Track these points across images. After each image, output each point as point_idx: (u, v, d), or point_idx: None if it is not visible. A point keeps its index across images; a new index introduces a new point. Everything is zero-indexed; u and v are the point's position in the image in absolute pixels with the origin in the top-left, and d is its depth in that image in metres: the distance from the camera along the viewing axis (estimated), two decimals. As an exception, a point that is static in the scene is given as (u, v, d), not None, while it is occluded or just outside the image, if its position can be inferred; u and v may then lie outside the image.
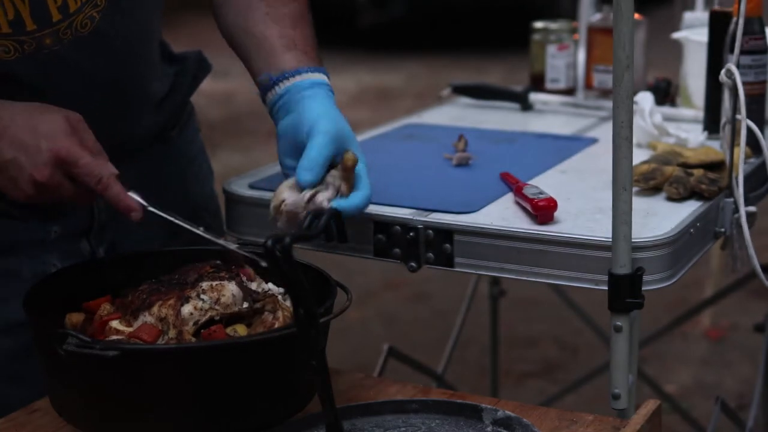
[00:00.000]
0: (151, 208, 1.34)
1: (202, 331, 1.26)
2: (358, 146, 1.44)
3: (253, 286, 1.35)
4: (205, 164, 1.80)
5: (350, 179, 1.38)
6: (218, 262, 1.36)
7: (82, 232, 1.57)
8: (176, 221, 1.35)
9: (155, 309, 1.27)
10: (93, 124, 1.39)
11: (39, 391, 1.36)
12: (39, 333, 1.25)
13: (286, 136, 1.46)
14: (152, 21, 1.58)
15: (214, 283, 1.29)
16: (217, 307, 1.27)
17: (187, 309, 1.27)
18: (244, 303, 1.30)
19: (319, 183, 1.38)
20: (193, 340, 1.25)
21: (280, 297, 1.33)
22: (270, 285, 1.37)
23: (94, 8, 1.43)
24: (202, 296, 1.28)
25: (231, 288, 1.29)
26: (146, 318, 1.28)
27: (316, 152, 1.38)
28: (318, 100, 1.45)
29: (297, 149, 1.43)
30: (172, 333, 1.26)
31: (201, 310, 1.27)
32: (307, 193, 1.37)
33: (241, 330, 1.28)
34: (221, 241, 1.37)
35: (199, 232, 1.35)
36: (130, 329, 1.27)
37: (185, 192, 1.72)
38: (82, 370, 1.19)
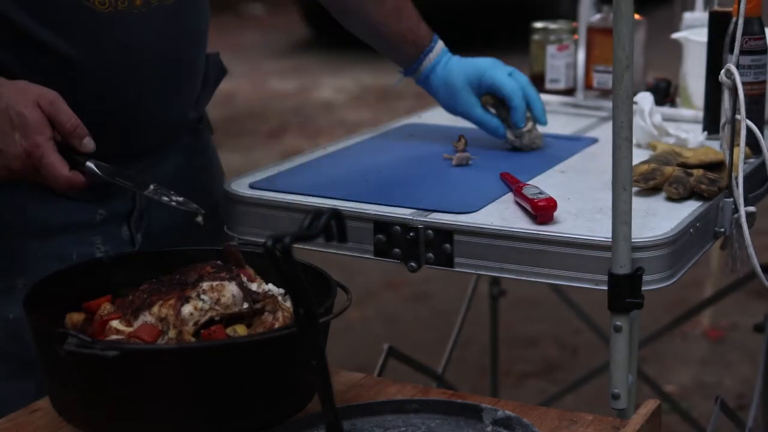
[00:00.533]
0: (107, 178, 1.45)
1: (202, 331, 1.26)
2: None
3: (254, 286, 1.35)
4: (218, 164, 1.85)
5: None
6: (219, 262, 1.36)
7: (124, 218, 1.62)
8: (135, 189, 1.48)
9: (155, 309, 1.27)
10: (148, 99, 1.53)
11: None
12: (39, 333, 1.25)
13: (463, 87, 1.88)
14: (208, 11, 1.67)
15: (215, 284, 1.29)
16: (217, 307, 1.27)
17: (187, 309, 1.27)
18: (245, 303, 1.30)
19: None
20: (193, 340, 1.25)
21: (280, 298, 1.33)
22: (270, 286, 1.37)
23: None
24: (202, 296, 1.28)
25: (231, 288, 1.29)
26: (146, 318, 1.28)
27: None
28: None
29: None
30: (172, 333, 1.26)
31: (201, 310, 1.27)
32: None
33: (241, 330, 1.28)
34: (179, 200, 1.46)
35: (149, 194, 1.46)
36: (131, 329, 1.27)
37: (208, 187, 1.76)
38: (82, 370, 1.20)
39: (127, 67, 1.52)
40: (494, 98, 1.88)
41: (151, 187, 1.46)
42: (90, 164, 1.44)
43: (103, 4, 1.48)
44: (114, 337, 1.27)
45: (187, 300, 1.27)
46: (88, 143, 1.45)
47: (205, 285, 1.29)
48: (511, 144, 1.90)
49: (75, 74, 1.50)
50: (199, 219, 1.45)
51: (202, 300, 1.27)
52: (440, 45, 1.89)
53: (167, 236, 1.64)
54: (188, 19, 1.60)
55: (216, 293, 1.28)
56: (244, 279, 1.34)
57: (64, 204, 1.55)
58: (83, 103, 1.48)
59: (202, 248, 1.45)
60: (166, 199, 1.46)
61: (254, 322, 1.30)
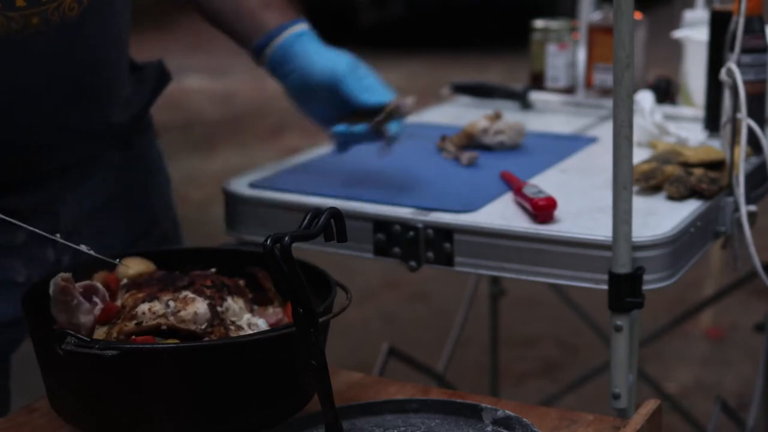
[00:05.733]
0: (1, 215, 1.33)
1: (133, 335, 1.25)
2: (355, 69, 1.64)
3: (233, 309, 1.33)
4: (164, 173, 1.77)
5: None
6: (224, 279, 1.34)
7: (47, 239, 1.53)
8: (30, 228, 1.35)
9: (133, 293, 1.28)
10: (58, 116, 1.42)
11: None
12: (38, 332, 1.25)
13: (297, 89, 1.65)
14: (128, 17, 1.57)
15: (189, 295, 1.28)
16: (172, 318, 1.25)
17: (144, 307, 1.26)
18: (204, 325, 1.26)
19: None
20: (122, 338, 1.24)
21: (233, 328, 1.31)
22: (247, 318, 1.32)
23: None
24: (169, 302, 1.27)
25: (198, 306, 1.26)
26: (122, 297, 1.29)
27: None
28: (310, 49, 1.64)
29: (316, 97, 1.64)
30: (119, 322, 1.26)
31: (154, 313, 1.26)
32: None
33: None
34: (81, 248, 1.34)
35: (56, 238, 1.35)
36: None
37: (145, 200, 1.71)
38: (81, 369, 1.19)
39: (29, 88, 1.42)
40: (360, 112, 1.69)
41: (57, 235, 1.36)
42: None
43: None
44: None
45: (153, 299, 1.27)
46: None
47: (183, 293, 1.28)
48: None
49: None
50: (118, 262, 1.37)
51: (166, 305, 1.26)
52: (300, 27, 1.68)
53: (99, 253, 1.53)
54: (96, 33, 1.48)
55: (181, 304, 1.26)
56: (229, 303, 1.31)
57: None
58: None
59: (200, 248, 1.45)
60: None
61: None
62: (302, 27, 1.66)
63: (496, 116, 1.91)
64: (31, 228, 1.35)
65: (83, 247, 1.33)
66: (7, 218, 1.34)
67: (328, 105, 1.65)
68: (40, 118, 1.45)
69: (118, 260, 1.36)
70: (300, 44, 1.64)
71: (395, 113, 1.64)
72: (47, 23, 1.40)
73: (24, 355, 1.62)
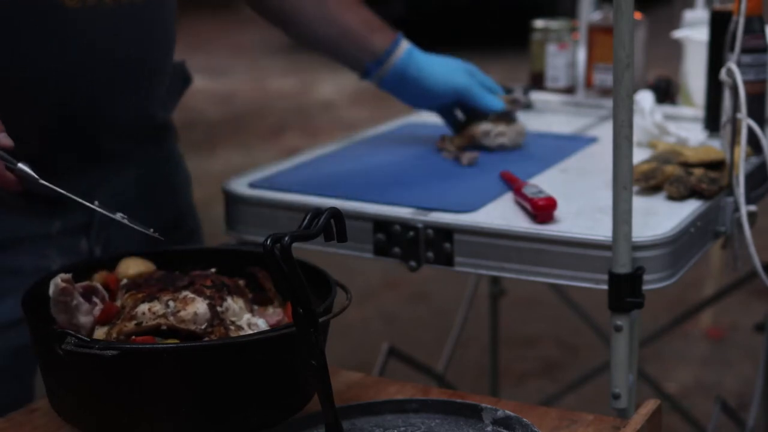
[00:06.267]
0: (42, 181, 1.34)
1: (134, 336, 1.25)
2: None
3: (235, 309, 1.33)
4: (186, 172, 1.81)
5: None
6: (224, 279, 1.34)
7: (82, 230, 1.57)
8: (69, 195, 1.36)
9: (133, 293, 1.28)
10: (110, 100, 1.49)
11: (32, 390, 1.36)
12: (38, 332, 1.25)
13: (419, 104, 1.89)
14: (175, 16, 1.63)
15: (189, 295, 1.28)
16: (172, 318, 1.25)
17: (143, 307, 1.26)
18: (204, 325, 1.26)
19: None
20: (122, 338, 1.24)
21: (232, 328, 1.30)
22: (247, 317, 1.32)
23: None
24: (169, 302, 1.27)
25: (198, 306, 1.26)
26: (122, 297, 1.29)
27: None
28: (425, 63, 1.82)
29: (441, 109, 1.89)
30: (118, 322, 1.26)
31: (154, 314, 1.26)
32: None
33: None
34: (117, 216, 1.36)
35: (94, 206, 1.36)
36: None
37: (171, 198, 1.73)
38: (81, 369, 1.19)
39: (90, 67, 1.48)
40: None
41: (96, 202, 1.38)
42: (22, 165, 1.34)
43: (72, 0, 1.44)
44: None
45: (153, 299, 1.27)
46: (3, 139, 1.34)
47: (183, 293, 1.28)
48: (487, 144, 1.89)
49: (37, 74, 1.45)
50: (153, 232, 1.38)
51: (166, 305, 1.26)
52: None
53: (133, 246, 1.56)
54: (156, 22, 1.56)
55: (181, 304, 1.26)
56: (229, 303, 1.31)
57: (16, 216, 1.52)
58: (43, 104, 1.45)
59: (200, 248, 1.44)
60: (111, 215, 1.38)
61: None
62: (406, 45, 1.81)
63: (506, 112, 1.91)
64: (72, 196, 1.36)
65: (119, 215, 1.36)
66: (51, 185, 1.34)
67: (452, 112, 1.90)
68: (107, 95, 1.50)
69: (151, 230, 1.37)
70: (413, 65, 1.80)
71: (516, 106, 1.91)
72: (118, 3, 1.47)
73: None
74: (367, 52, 1.79)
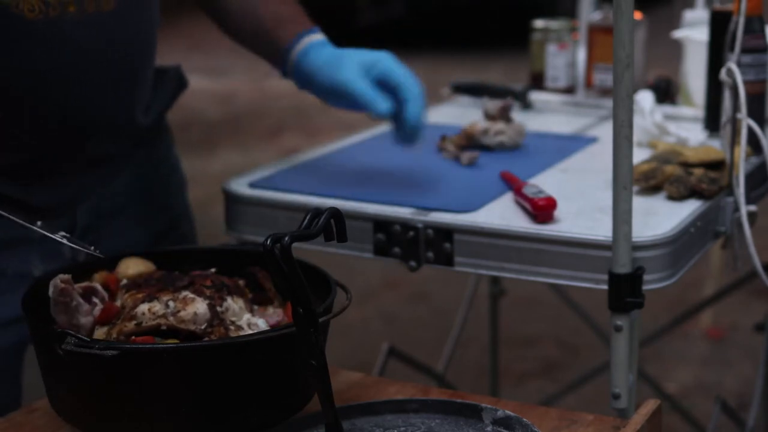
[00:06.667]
0: None
1: (133, 336, 1.24)
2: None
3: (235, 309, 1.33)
4: (182, 175, 1.79)
5: None
6: (224, 279, 1.34)
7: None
8: (9, 216, 1.35)
9: (133, 293, 1.28)
10: (85, 107, 1.45)
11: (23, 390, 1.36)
12: (38, 332, 1.25)
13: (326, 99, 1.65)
14: (157, 20, 1.59)
15: (189, 295, 1.28)
16: (172, 318, 1.25)
17: (144, 307, 1.26)
18: (204, 325, 1.26)
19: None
20: (121, 338, 1.24)
21: (232, 328, 1.31)
22: (247, 317, 1.32)
23: None
24: (169, 302, 1.26)
25: (198, 306, 1.26)
26: (122, 297, 1.29)
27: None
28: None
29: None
30: (118, 322, 1.26)
31: (154, 314, 1.25)
32: None
33: None
34: (57, 236, 1.35)
35: (36, 227, 1.35)
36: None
37: (165, 202, 1.72)
38: (81, 369, 1.19)
39: (60, 77, 1.44)
40: None
41: (39, 223, 1.36)
42: None
43: (33, 11, 1.41)
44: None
45: (152, 299, 1.27)
46: None
47: (183, 293, 1.28)
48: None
49: (9, 84, 1.43)
50: (94, 250, 1.36)
51: (166, 305, 1.26)
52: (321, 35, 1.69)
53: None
54: (128, 28, 1.52)
55: (181, 304, 1.26)
56: (228, 303, 1.31)
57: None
58: (18, 114, 1.44)
59: (200, 248, 1.44)
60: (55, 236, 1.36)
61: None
62: (309, 39, 1.66)
63: (503, 110, 1.90)
64: (11, 216, 1.34)
65: (59, 235, 1.34)
66: (6, 214, 1.34)
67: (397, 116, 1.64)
68: (68, 107, 1.47)
69: (92, 248, 1.36)
70: (308, 61, 1.64)
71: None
72: (83, 12, 1.43)
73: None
74: (275, 48, 1.68)
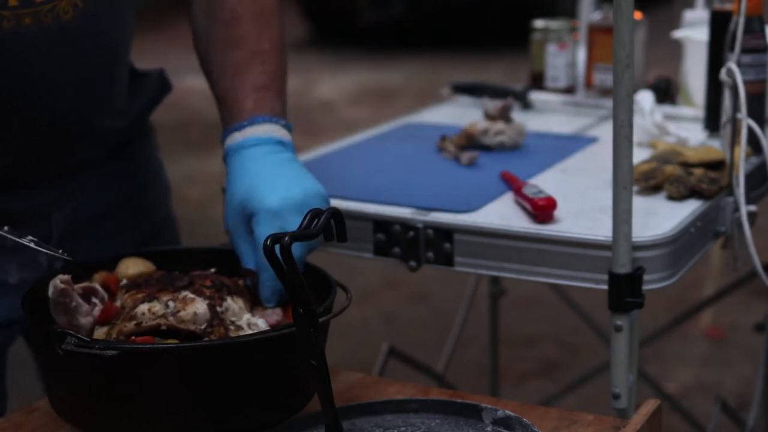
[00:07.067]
0: None
1: (133, 336, 1.24)
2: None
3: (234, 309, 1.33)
4: (165, 181, 1.75)
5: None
6: (223, 279, 1.34)
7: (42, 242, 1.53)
8: None
9: (133, 293, 1.28)
10: (50, 118, 1.42)
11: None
12: (38, 332, 1.25)
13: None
14: (129, 25, 1.55)
15: (189, 295, 1.27)
16: (171, 318, 1.25)
17: (143, 307, 1.26)
18: (204, 325, 1.26)
19: None
20: (121, 338, 1.24)
21: (232, 328, 1.31)
22: (247, 316, 1.32)
23: None
24: (169, 302, 1.26)
25: (198, 306, 1.26)
26: (122, 297, 1.29)
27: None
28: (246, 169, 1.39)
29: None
30: (118, 322, 1.26)
31: (154, 314, 1.25)
32: None
33: None
34: (25, 240, 1.33)
35: (3, 232, 1.33)
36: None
37: (146, 209, 1.69)
38: (81, 369, 1.19)
39: (26, 85, 1.41)
40: None
41: (6, 228, 1.34)
42: None
43: None
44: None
45: (152, 299, 1.27)
46: None
47: (183, 293, 1.28)
48: None
49: None
50: (62, 253, 1.34)
51: (166, 305, 1.26)
52: (268, 129, 1.45)
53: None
54: (94, 36, 1.45)
55: (181, 305, 1.26)
56: (228, 303, 1.31)
57: None
58: None
59: (200, 248, 1.44)
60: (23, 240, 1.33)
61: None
62: (253, 131, 1.45)
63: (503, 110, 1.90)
64: None
65: (27, 239, 1.33)
66: None
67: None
68: (34, 119, 1.44)
69: (60, 251, 1.34)
70: (234, 163, 1.42)
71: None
72: (39, 24, 1.39)
73: (23, 356, 1.62)
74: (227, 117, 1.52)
